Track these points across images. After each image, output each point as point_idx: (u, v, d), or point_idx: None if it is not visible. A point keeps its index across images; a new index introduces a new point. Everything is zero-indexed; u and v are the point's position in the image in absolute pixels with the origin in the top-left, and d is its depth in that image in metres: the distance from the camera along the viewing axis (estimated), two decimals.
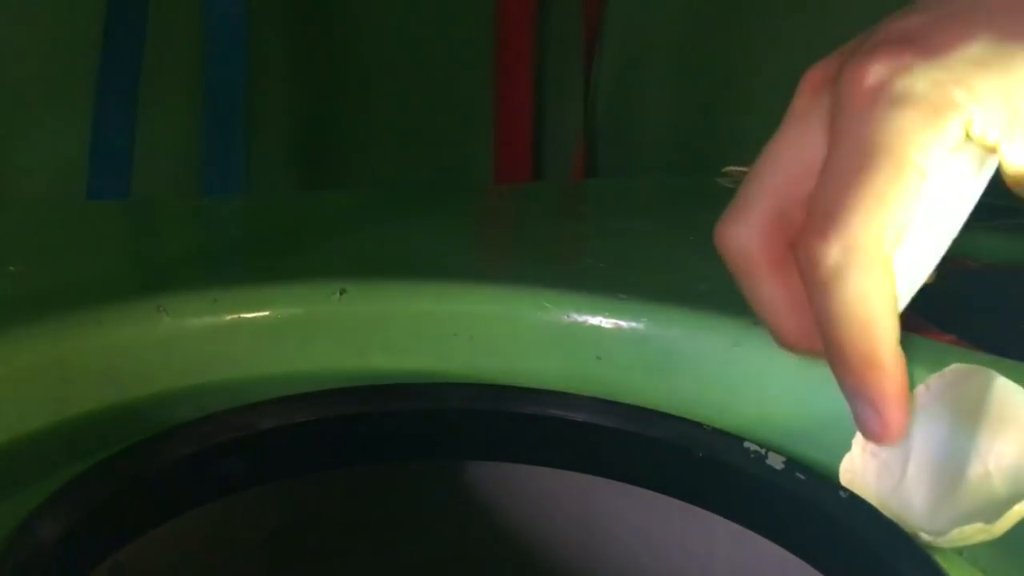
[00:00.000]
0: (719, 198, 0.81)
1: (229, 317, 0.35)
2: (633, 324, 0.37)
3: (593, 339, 0.37)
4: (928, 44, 0.25)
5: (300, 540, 0.49)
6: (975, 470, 0.27)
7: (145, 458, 0.31)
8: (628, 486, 0.35)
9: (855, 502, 0.29)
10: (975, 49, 0.24)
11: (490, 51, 1.34)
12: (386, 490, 0.51)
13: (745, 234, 0.29)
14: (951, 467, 0.28)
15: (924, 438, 0.28)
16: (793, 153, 0.28)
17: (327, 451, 0.34)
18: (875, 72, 0.25)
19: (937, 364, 0.30)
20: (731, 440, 0.32)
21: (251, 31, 1.05)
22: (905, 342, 0.35)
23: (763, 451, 0.31)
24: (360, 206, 0.60)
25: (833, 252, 0.25)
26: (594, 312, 0.37)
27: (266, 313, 0.36)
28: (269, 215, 0.55)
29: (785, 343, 0.30)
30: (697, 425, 0.33)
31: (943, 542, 0.27)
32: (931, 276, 0.28)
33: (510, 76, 1.35)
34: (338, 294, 0.37)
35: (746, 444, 0.31)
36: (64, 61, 0.93)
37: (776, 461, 0.31)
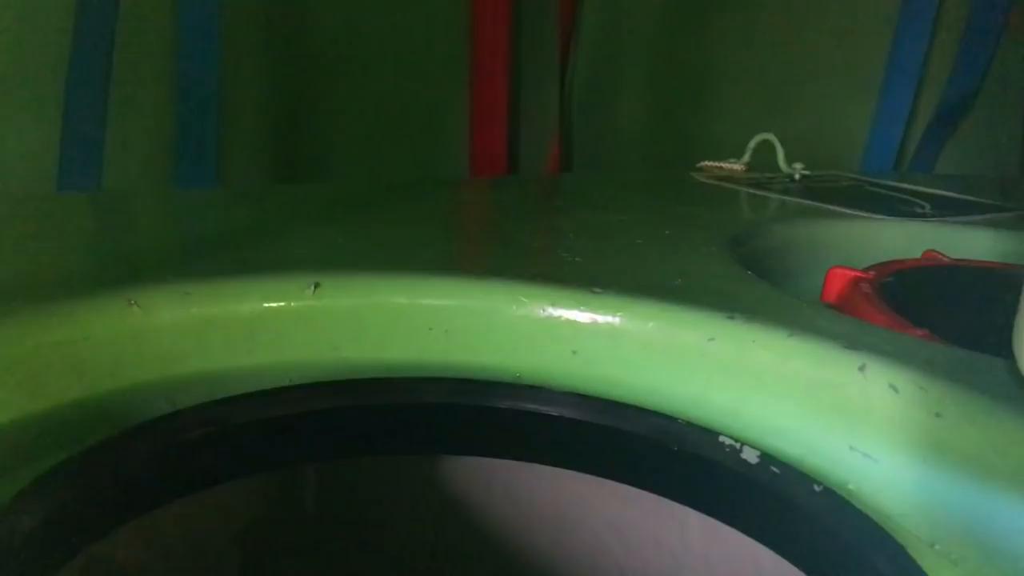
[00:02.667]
0: (694, 192, 0.82)
1: (201, 311, 0.35)
2: (609, 318, 0.37)
3: (569, 333, 0.37)
4: None
5: (274, 534, 0.49)
6: None
7: (118, 453, 0.31)
8: (603, 480, 0.35)
9: (829, 496, 0.29)
10: None
11: (466, 45, 1.34)
12: (360, 484, 0.50)
13: None
14: None
15: None
16: None
17: (301, 446, 0.34)
18: None
19: (910, 359, 0.30)
20: (706, 434, 0.32)
21: (224, 22, 1.04)
22: (878, 336, 0.36)
23: (738, 445, 0.31)
24: (334, 199, 0.60)
25: None
26: (570, 306, 0.37)
27: (239, 307, 0.36)
28: (242, 208, 0.55)
29: None
30: (672, 419, 0.33)
31: None
32: None
33: (485, 70, 1.34)
34: (312, 288, 0.37)
35: (721, 438, 0.32)
36: (34, 51, 0.92)
37: (751, 455, 0.31)
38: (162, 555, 0.47)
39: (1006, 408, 0.30)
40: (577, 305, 0.37)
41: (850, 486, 0.32)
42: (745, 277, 0.44)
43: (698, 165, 0.90)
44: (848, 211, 0.68)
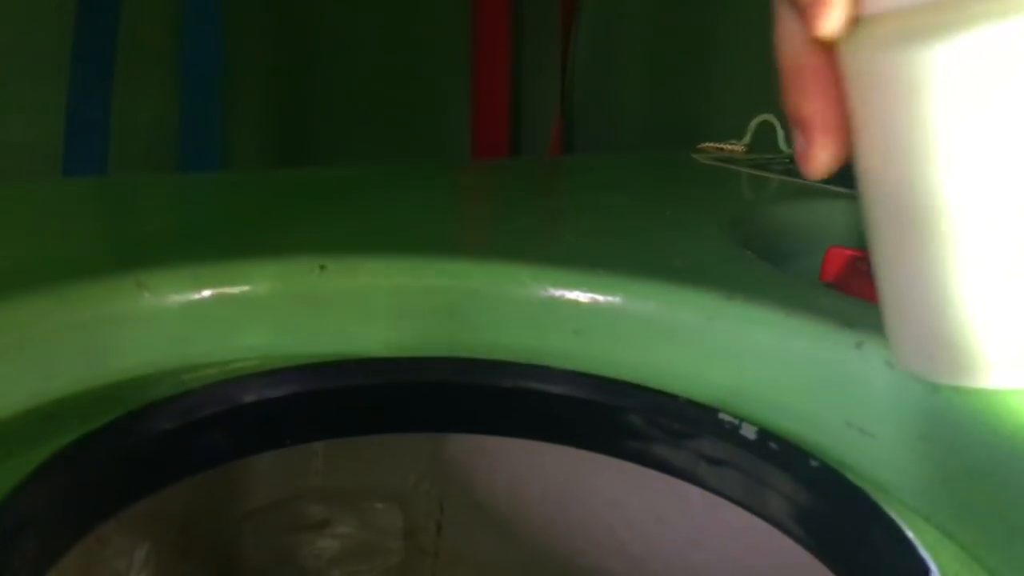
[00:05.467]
0: (695, 174, 0.82)
1: (209, 293, 0.35)
2: (610, 298, 0.37)
3: (571, 313, 0.38)
4: None
5: (282, 512, 0.49)
6: None
7: (128, 433, 0.31)
8: (605, 457, 0.36)
9: (826, 472, 0.30)
10: None
11: (468, 27, 1.34)
12: (367, 462, 0.51)
13: None
14: None
15: None
16: None
17: (308, 424, 0.35)
18: None
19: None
20: (706, 411, 0.33)
21: (226, 6, 1.05)
22: (875, 314, 0.36)
23: (737, 422, 0.32)
24: (339, 182, 0.60)
25: None
26: (572, 287, 0.38)
27: (246, 288, 0.36)
28: (248, 191, 0.55)
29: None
30: (672, 397, 0.34)
31: None
32: None
33: (487, 52, 1.34)
34: (318, 269, 0.37)
35: (720, 415, 0.32)
36: (38, 36, 0.92)
37: (750, 431, 0.31)
38: (172, 533, 0.47)
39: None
40: (579, 286, 0.38)
41: (847, 461, 0.32)
42: (744, 257, 0.45)
43: (698, 146, 0.90)
44: (847, 191, 0.68)
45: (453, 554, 0.52)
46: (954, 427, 0.32)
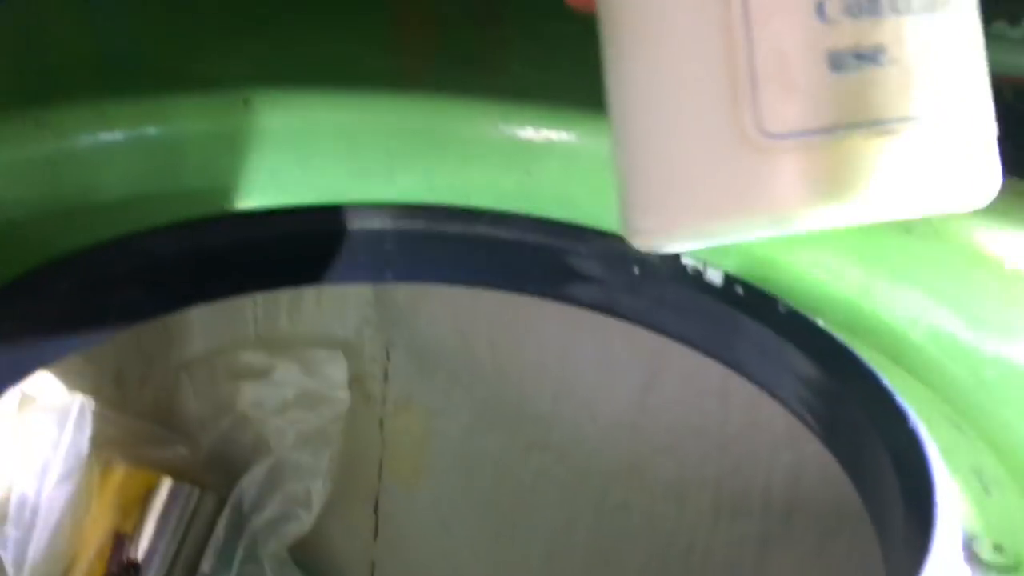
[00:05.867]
0: None
1: (121, 132, 0.32)
2: (564, 136, 0.35)
3: (522, 152, 0.35)
4: None
5: (221, 361, 0.48)
6: None
7: (41, 287, 0.28)
8: (560, 304, 0.34)
9: (795, 316, 0.28)
10: None
11: None
12: (307, 310, 0.49)
13: None
14: None
15: None
16: None
17: (237, 277, 0.32)
18: None
19: None
20: (668, 256, 0.31)
21: None
22: None
23: (701, 266, 0.30)
24: (259, 5, 0.55)
25: None
26: (523, 123, 0.35)
27: (162, 127, 0.33)
28: (164, 14, 0.50)
29: None
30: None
31: None
32: None
33: None
34: (242, 104, 0.34)
35: (684, 260, 0.30)
36: None
37: (715, 276, 0.30)
38: (106, 386, 0.45)
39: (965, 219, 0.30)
40: (530, 122, 0.35)
41: (816, 304, 0.31)
42: None
43: None
44: None
45: (401, 401, 0.51)
46: (927, 266, 0.30)
